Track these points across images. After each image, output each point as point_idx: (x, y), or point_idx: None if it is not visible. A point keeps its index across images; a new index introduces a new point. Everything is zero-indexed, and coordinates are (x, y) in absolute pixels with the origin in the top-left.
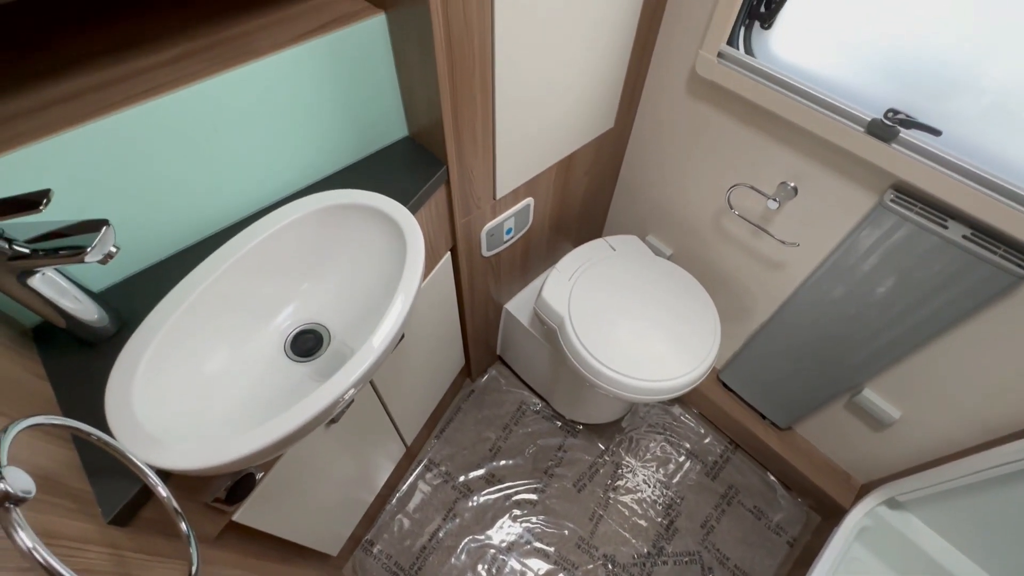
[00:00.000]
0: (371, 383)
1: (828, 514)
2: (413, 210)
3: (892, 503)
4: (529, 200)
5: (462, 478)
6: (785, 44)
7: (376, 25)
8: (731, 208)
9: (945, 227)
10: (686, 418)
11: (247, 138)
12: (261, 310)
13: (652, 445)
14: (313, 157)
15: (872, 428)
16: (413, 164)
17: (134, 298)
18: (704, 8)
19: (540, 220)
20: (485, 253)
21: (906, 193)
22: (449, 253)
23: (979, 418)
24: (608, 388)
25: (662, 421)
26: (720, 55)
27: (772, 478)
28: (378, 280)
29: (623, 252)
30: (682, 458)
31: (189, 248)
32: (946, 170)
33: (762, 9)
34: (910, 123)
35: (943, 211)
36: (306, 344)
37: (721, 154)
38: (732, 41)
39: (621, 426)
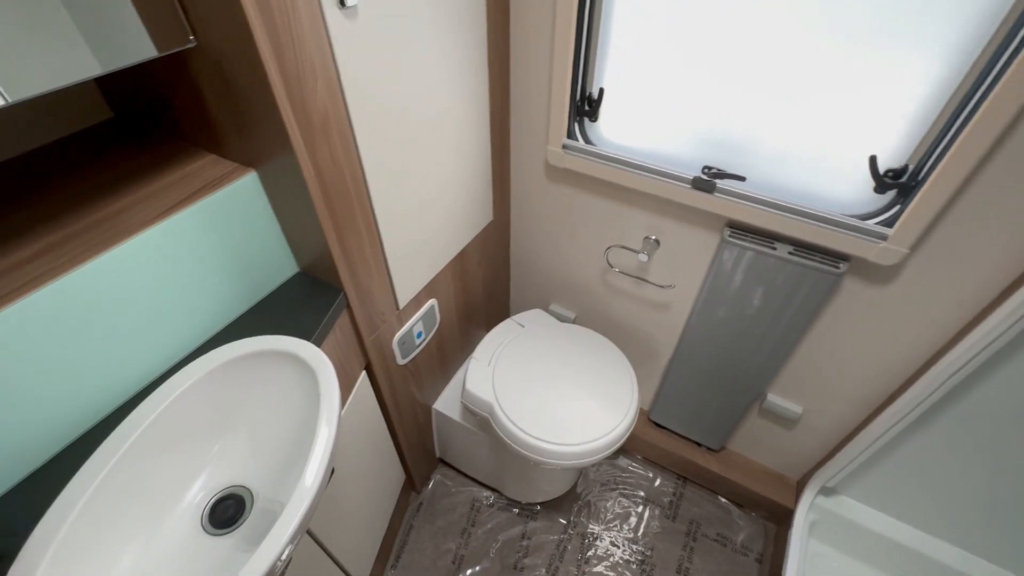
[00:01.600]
0: (307, 531)
1: (780, 519)
2: (318, 342)
3: (825, 491)
4: (432, 301)
5: None
6: (614, 130)
7: (248, 183)
8: (612, 267)
9: (774, 248)
10: (633, 467)
11: (128, 316)
12: (169, 488)
13: (610, 504)
14: (203, 316)
15: (785, 427)
16: (310, 297)
17: (11, 518)
18: (541, 115)
19: (447, 316)
20: (401, 362)
21: (738, 228)
22: (364, 372)
23: (859, 394)
24: (553, 461)
25: (612, 476)
26: (564, 147)
27: (724, 500)
28: (295, 422)
29: (531, 326)
30: (640, 508)
31: (77, 440)
32: (756, 205)
33: (586, 107)
34: (722, 175)
35: (769, 236)
36: (226, 512)
37: (591, 223)
38: (571, 134)
39: (576, 493)
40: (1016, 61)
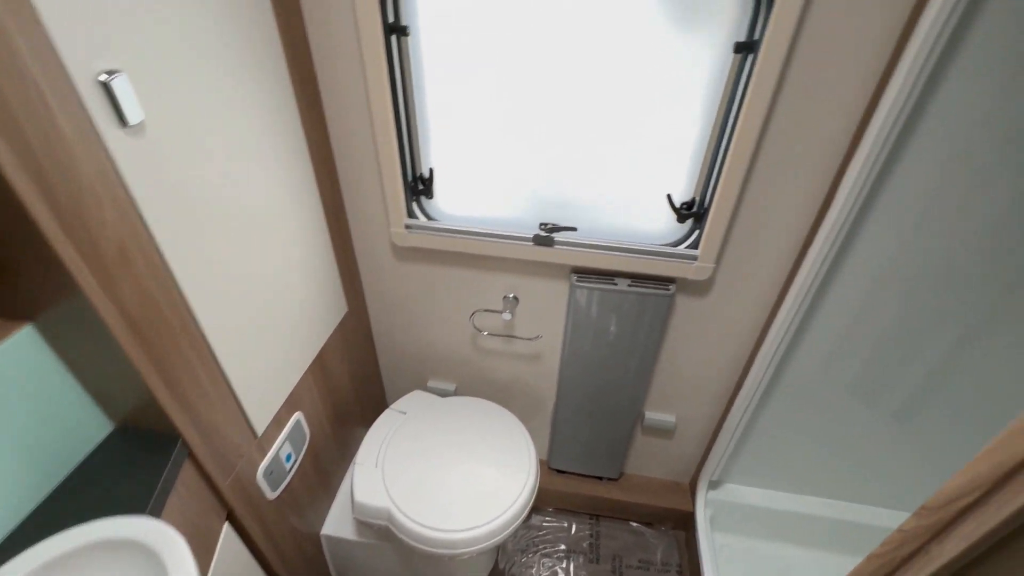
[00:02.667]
0: None
1: (686, 524)
2: (157, 510)
3: (712, 485)
4: (297, 415)
5: None
6: (452, 203)
7: (24, 340)
8: (480, 331)
9: (615, 284)
10: (547, 522)
11: None
12: None
13: (534, 570)
14: None
15: (666, 438)
16: (136, 456)
17: None
18: (377, 200)
19: (318, 426)
20: (271, 495)
21: (582, 272)
22: (227, 523)
23: (713, 391)
24: (469, 549)
25: (530, 539)
26: (407, 226)
27: (635, 524)
28: None
29: (413, 411)
30: (564, 562)
31: None
32: (591, 250)
33: (420, 187)
34: (556, 229)
35: (609, 274)
36: None
37: (450, 294)
38: (411, 214)
39: (500, 570)
40: (742, 116)
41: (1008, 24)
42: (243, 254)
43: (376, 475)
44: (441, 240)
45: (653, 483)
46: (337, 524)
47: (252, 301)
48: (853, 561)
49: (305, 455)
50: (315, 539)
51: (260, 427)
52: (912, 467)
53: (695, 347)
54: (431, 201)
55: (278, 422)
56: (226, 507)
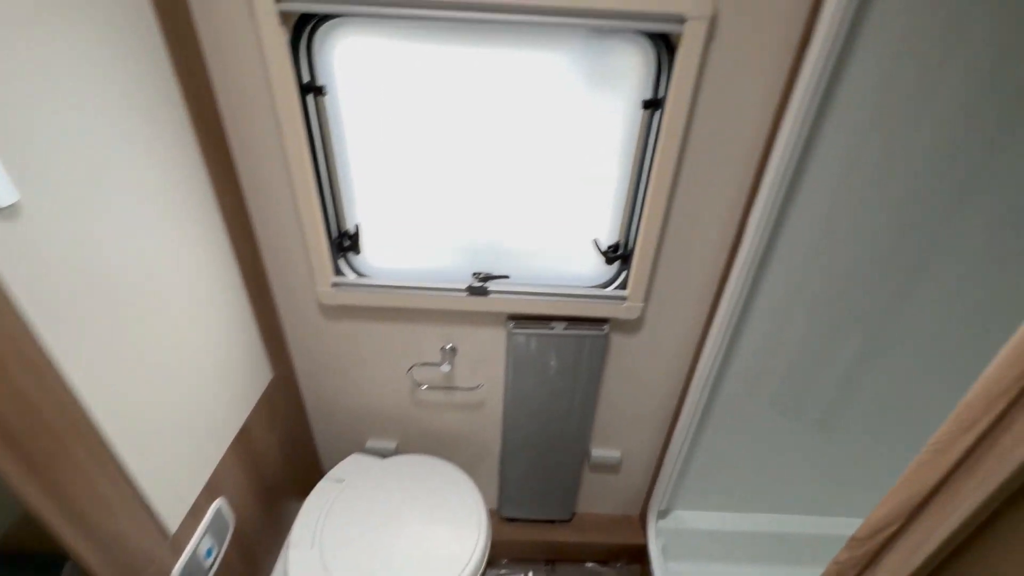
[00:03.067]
0: None
1: (639, 557)
2: None
3: (661, 514)
4: (218, 502)
5: None
6: (382, 257)
7: None
8: (419, 385)
9: (552, 328)
10: (502, 574)
11: None
12: None
13: None
14: None
15: (614, 472)
16: None
17: None
18: (300, 260)
19: (244, 510)
20: None
21: (519, 318)
22: None
23: (653, 422)
24: None
25: None
26: (334, 284)
27: (591, 565)
28: None
29: (352, 477)
30: None
31: None
32: (525, 296)
33: (346, 243)
34: (489, 277)
35: (545, 319)
36: None
37: (386, 350)
38: (338, 271)
39: None
40: (655, 164)
41: (869, 79)
42: (146, 337)
43: (313, 556)
44: (371, 296)
45: (604, 520)
46: None
47: (159, 386)
48: (799, 571)
49: (229, 546)
50: None
51: (173, 524)
52: (839, 472)
53: (633, 382)
54: (359, 256)
55: (195, 514)
56: None
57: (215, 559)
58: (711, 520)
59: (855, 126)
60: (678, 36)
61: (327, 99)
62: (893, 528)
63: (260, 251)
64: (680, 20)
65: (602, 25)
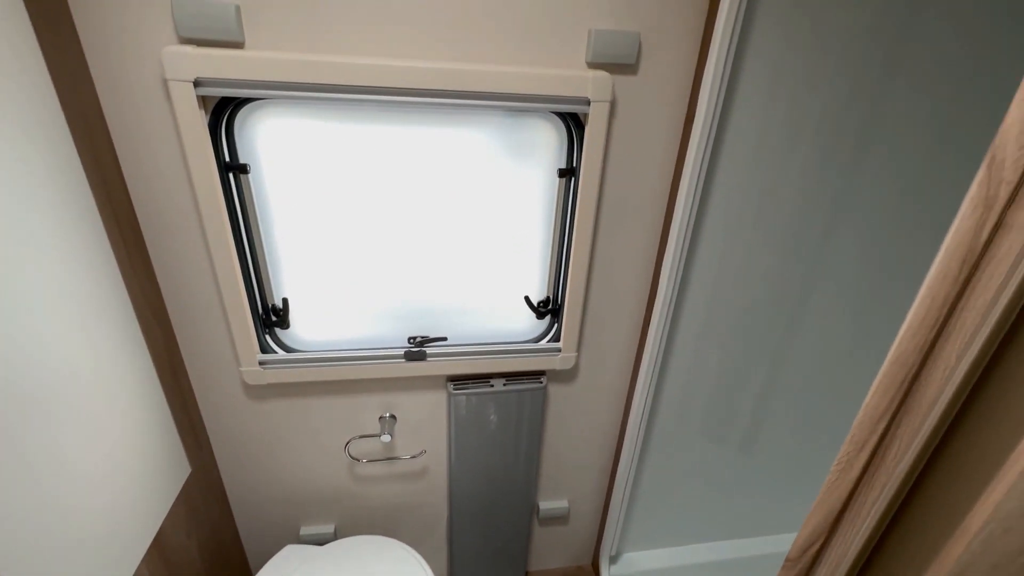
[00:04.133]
0: None
1: None
2: None
3: (612, 559)
4: None
5: None
6: (312, 330)
7: None
8: (357, 459)
9: (491, 385)
10: None
11: None
12: None
13: None
14: None
15: (563, 523)
16: None
17: None
18: (222, 342)
19: None
20: None
21: (458, 379)
22: None
23: (595, 467)
24: None
25: None
26: (261, 363)
27: None
28: None
29: (286, 574)
30: None
31: None
32: (463, 357)
33: (273, 318)
34: (427, 341)
35: (484, 377)
36: None
37: (319, 426)
38: (265, 348)
39: None
40: (576, 225)
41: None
42: (33, 455)
43: None
44: (302, 372)
45: (558, 574)
46: None
47: (50, 509)
48: None
49: None
50: None
51: None
52: (766, 490)
53: (573, 429)
54: (288, 331)
55: None
56: None
57: None
58: (660, 558)
59: (737, 174)
60: (585, 115)
61: (251, 176)
62: (817, 545)
63: (175, 338)
64: (586, 102)
65: (517, 107)
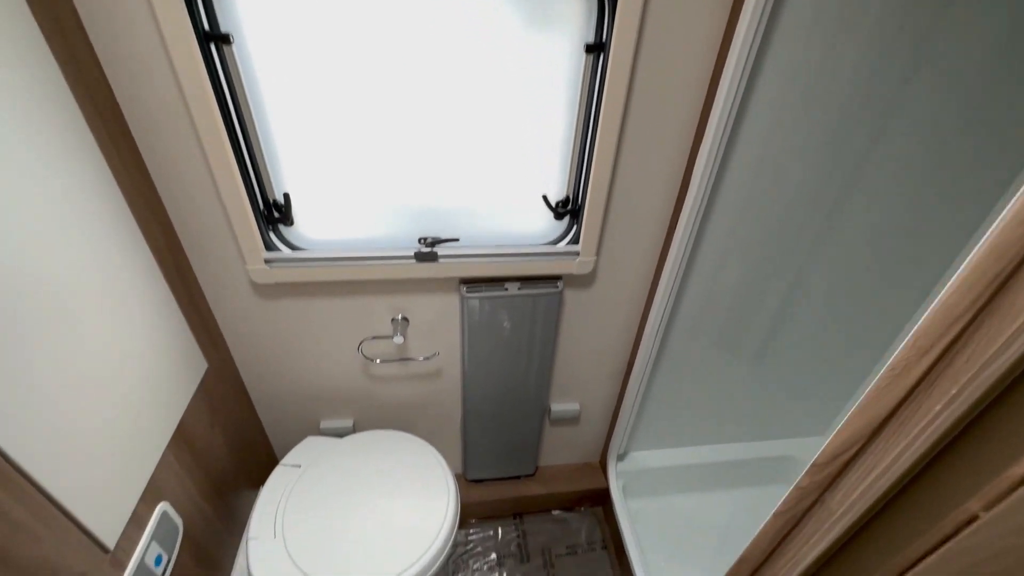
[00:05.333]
0: None
1: (603, 500)
2: None
3: (620, 457)
4: (162, 506)
5: None
6: (318, 228)
7: None
8: (371, 359)
9: (506, 289)
10: (473, 534)
11: None
12: None
13: None
14: None
15: (573, 425)
16: None
17: None
18: (226, 240)
19: (192, 511)
20: None
21: (471, 282)
22: None
23: (609, 372)
24: None
25: (459, 557)
26: (267, 261)
27: (557, 513)
28: None
29: (309, 462)
30: (497, 573)
31: None
32: (477, 259)
33: (276, 215)
34: (438, 241)
35: (498, 280)
36: None
37: (331, 327)
38: (270, 246)
39: None
40: (602, 112)
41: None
42: (53, 350)
43: (277, 547)
44: (310, 271)
45: (567, 469)
46: None
47: (74, 399)
48: (744, 493)
49: (181, 549)
50: None
51: (111, 539)
52: (772, 399)
53: (589, 335)
54: (292, 229)
55: (137, 523)
56: None
57: (167, 565)
58: (664, 457)
59: (792, 54)
60: None
61: (235, 49)
62: (851, 452)
63: (177, 236)
64: None
65: None
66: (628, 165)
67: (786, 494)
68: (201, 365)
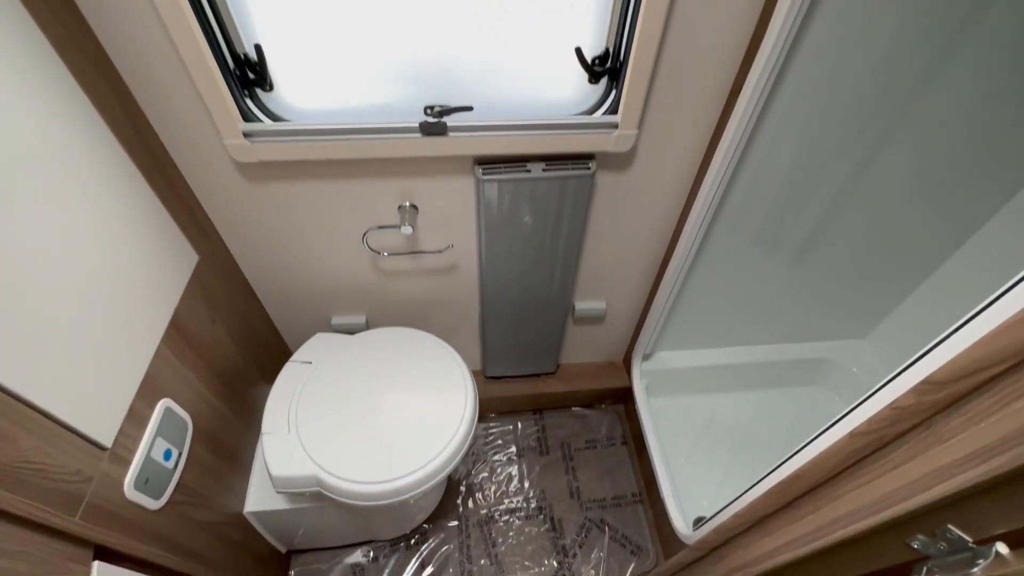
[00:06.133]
0: None
1: (625, 399)
2: None
3: (645, 357)
4: (163, 403)
5: None
6: (303, 94)
7: None
8: (378, 252)
9: (528, 171)
10: (493, 428)
11: None
12: None
13: (488, 476)
14: None
15: (598, 324)
16: None
17: None
18: (193, 106)
19: (200, 404)
20: (157, 505)
21: (488, 162)
22: (97, 562)
23: (641, 270)
24: (419, 490)
25: (479, 449)
26: (247, 134)
27: (577, 409)
28: None
29: (320, 358)
30: (516, 462)
31: None
32: (494, 133)
33: (251, 76)
34: (447, 111)
35: (519, 160)
36: None
37: (330, 215)
38: (247, 116)
39: (454, 483)
40: None
41: None
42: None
43: (291, 440)
44: (298, 147)
45: (589, 368)
46: (260, 499)
47: (43, 300)
48: (767, 394)
49: (193, 443)
50: (238, 521)
51: (107, 437)
52: (809, 302)
53: (622, 227)
54: (273, 95)
55: (136, 421)
56: (88, 545)
57: (178, 459)
58: (691, 358)
59: None
60: None
61: None
62: (992, 371)
63: (131, 92)
64: None
65: None
66: (685, 12)
67: (873, 412)
68: (191, 257)
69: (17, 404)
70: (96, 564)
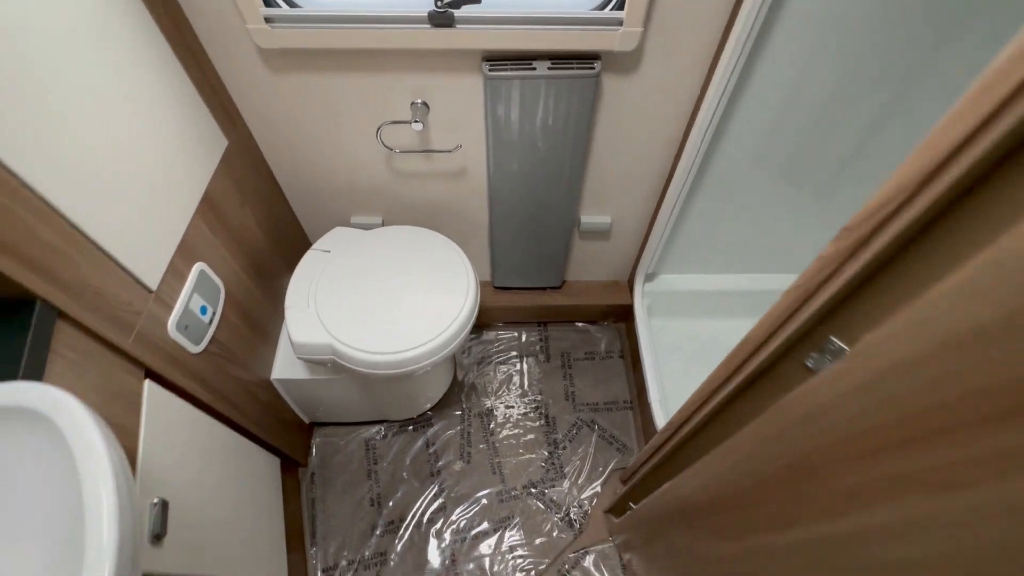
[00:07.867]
0: None
1: (626, 317)
2: (35, 375)
3: (648, 277)
4: (199, 266)
5: (367, 552)
6: None
7: None
8: (391, 148)
9: (534, 68)
10: (499, 335)
11: None
12: None
13: (491, 377)
14: None
15: (604, 239)
16: None
17: None
18: None
19: (231, 275)
20: (196, 350)
21: (495, 59)
22: (148, 380)
23: (646, 185)
24: (420, 365)
25: (484, 352)
26: (268, 19)
27: (580, 324)
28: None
29: (339, 248)
30: (518, 365)
31: None
32: (502, 26)
33: None
34: (455, 2)
35: (525, 58)
36: None
37: (347, 107)
38: (269, 2)
39: (459, 382)
40: None
41: None
42: (79, 114)
43: (310, 313)
44: (315, 34)
45: (593, 286)
46: (285, 367)
47: (101, 156)
48: None
49: (226, 307)
50: (267, 385)
51: (152, 281)
52: (825, 235)
53: (627, 136)
54: None
55: (176, 274)
56: (140, 365)
57: (213, 316)
58: (695, 282)
59: None
60: None
61: None
62: (892, 207)
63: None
64: None
65: None
66: None
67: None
68: (221, 140)
69: (76, 234)
70: (147, 382)
